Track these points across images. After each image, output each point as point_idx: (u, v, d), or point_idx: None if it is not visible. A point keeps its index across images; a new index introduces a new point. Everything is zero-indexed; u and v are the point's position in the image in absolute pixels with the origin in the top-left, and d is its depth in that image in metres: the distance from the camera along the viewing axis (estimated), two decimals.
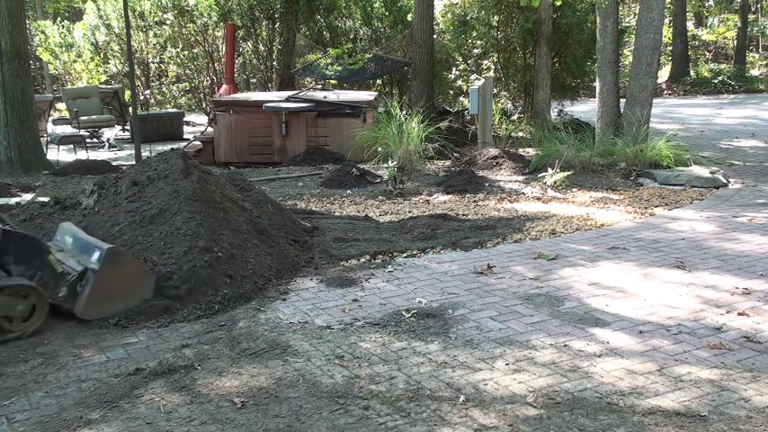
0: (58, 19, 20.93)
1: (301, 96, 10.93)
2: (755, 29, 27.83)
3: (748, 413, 2.86)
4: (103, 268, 3.98)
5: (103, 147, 12.56)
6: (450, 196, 7.60)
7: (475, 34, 13.80)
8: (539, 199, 7.34)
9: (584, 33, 12.13)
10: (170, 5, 15.99)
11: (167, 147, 8.34)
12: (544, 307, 4.12)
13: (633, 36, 10.74)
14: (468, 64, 14.39)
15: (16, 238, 4.00)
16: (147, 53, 16.92)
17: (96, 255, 4.05)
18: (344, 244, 5.41)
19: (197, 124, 15.33)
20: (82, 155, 10.89)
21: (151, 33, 16.53)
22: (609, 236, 5.78)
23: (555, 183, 7.81)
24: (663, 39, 13.58)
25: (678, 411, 2.87)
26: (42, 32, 17.75)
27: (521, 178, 8.49)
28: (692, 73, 23.57)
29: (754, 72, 24.68)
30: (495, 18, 13.43)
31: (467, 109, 12.40)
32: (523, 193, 7.64)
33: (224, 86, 14.19)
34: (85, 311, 3.95)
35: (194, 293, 4.14)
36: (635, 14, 15.58)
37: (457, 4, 15.06)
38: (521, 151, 10.17)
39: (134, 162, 8.26)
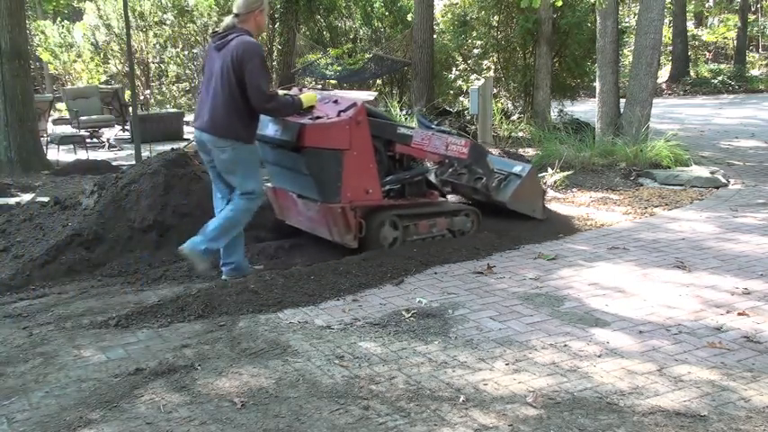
0: (58, 19, 20.94)
1: None
2: (755, 29, 27.83)
3: (748, 413, 2.86)
4: (527, 176, 5.72)
5: (103, 147, 12.56)
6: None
7: (475, 34, 13.80)
8: None
9: (584, 33, 12.13)
10: (170, 5, 15.99)
11: (167, 147, 8.34)
12: (544, 307, 4.12)
13: (633, 36, 10.74)
14: (468, 64, 14.40)
15: (473, 144, 5.43)
16: (147, 53, 16.92)
17: (520, 167, 5.84)
18: None
19: None
20: (82, 155, 10.89)
21: (151, 33, 16.54)
22: (609, 236, 5.78)
23: (555, 183, 7.81)
24: (663, 39, 13.58)
25: (678, 411, 2.87)
26: (42, 32, 17.76)
27: None
28: (692, 73, 23.57)
29: (754, 72, 24.67)
30: (495, 18, 13.43)
31: (467, 109, 12.40)
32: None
33: None
34: (510, 202, 5.69)
35: None
36: (635, 14, 15.59)
37: (457, 4, 15.07)
38: (521, 151, 10.16)
39: (134, 162, 8.27)
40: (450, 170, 5.50)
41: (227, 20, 4.53)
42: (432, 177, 5.66)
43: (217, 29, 4.62)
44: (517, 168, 5.83)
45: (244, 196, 4.52)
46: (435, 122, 5.61)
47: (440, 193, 5.69)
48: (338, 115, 4.75)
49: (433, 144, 5.26)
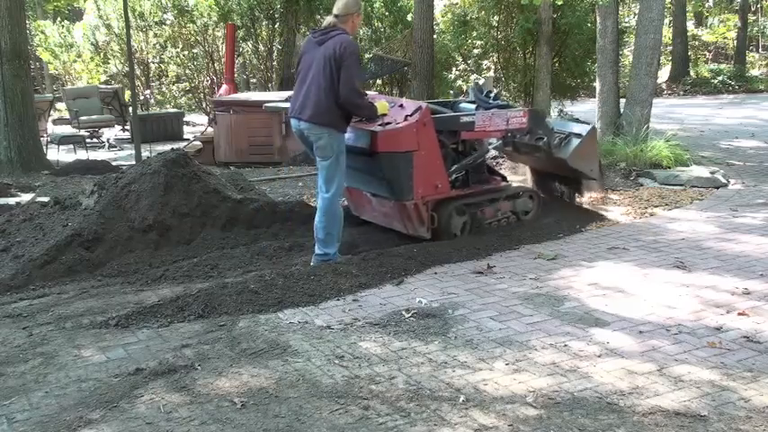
0: (58, 19, 20.93)
1: None
2: (755, 29, 27.82)
3: (748, 413, 2.86)
4: (586, 135, 5.97)
5: (103, 147, 12.56)
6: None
7: (475, 34, 13.80)
8: None
9: (584, 33, 12.12)
10: (170, 5, 15.98)
11: (167, 147, 8.33)
12: (544, 307, 4.12)
13: (633, 36, 10.74)
14: (468, 64, 14.40)
15: (532, 112, 5.91)
16: (147, 53, 16.91)
17: (579, 128, 6.16)
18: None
19: (197, 124, 15.33)
20: (82, 155, 10.89)
21: (151, 33, 16.52)
22: (609, 236, 5.78)
23: None
24: (663, 39, 13.57)
25: (678, 411, 2.87)
26: (42, 32, 17.75)
27: (520, 178, 8.47)
28: (692, 73, 23.55)
29: (754, 72, 24.66)
30: (495, 18, 13.43)
31: None
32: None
33: (224, 86, 14.18)
34: (570, 159, 5.89)
35: None
36: (635, 14, 15.59)
37: (457, 4, 15.06)
38: None
39: (134, 162, 8.27)
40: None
41: (328, 19, 4.96)
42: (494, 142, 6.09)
43: (316, 27, 5.15)
44: (577, 129, 6.15)
45: (326, 196, 4.89)
46: (492, 94, 6.01)
47: (501, 178, 6.12)
48: (405, 120, 5.11)
49: (494, 123, 5.59)
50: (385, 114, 5.11)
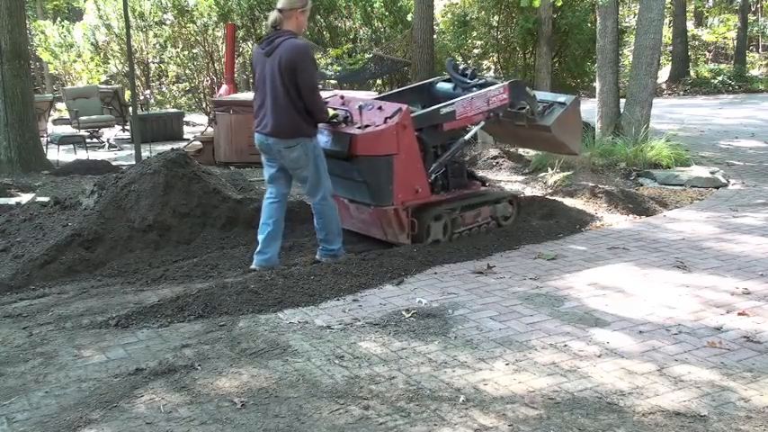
0: (58, 19, 20.94)
1: None
2: (755, 29, 27.82)
3: (748, 413, 2.86)
4: (570, 106, 5.91)
5: (103, 147, 12.56)
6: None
7: (475, 34, 13.82)
8: None
9: (584, 33, 12.15)
10: (170, 5, 15.98)
11: (167, 147, 8.32)
12: (544, 307, 4.12)
13: (633, 36, 10.74)
14: (468, 64, 14.40)
15: (512, 85, 5.66)
16: (147, 53, 16.91)
17: (564, 98, 6.06)
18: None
19: (197, 124, 15.32)
20: (82, 155, 10.89)
21: (151, 33, 16.52)
22: (609, 236, 5.78)
23: (555, 183, 7.81)
24: (663, 39, 13.57)
25: (678, 411, 2.87)
26: (42, 32, 17.75)
27: (521, 178, 8.48)
28: (691, 73, 23.54)
29: (754, 72, 24.64)
30: (495, 18, 13.45)
31: None
32: (523, 194, 7.63)
33: (224, 86, 14.17)
34: (552, 126, 5.77)
35: None
36: (635, 14, 15.59)
37: (457, 4, 15.08)
38: (521, 151, 10.16)
39: (134, 162, 8.27)
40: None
41: (272, 15, 4.72)
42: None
43: (264, 34, 5.00)
44: (561, 98, 6.07)
45: (316, 201, 4.85)
46: (468, 71, 5.89)
47: (480, 183, 6.01)
48: (385, 122, 4.92)
49: (475, 107, 5.40)
50: (334, 117, 4.93)
